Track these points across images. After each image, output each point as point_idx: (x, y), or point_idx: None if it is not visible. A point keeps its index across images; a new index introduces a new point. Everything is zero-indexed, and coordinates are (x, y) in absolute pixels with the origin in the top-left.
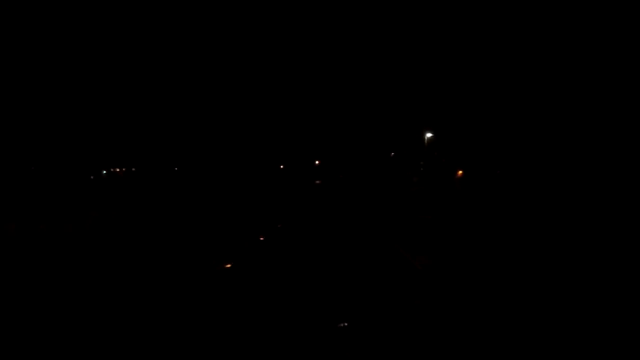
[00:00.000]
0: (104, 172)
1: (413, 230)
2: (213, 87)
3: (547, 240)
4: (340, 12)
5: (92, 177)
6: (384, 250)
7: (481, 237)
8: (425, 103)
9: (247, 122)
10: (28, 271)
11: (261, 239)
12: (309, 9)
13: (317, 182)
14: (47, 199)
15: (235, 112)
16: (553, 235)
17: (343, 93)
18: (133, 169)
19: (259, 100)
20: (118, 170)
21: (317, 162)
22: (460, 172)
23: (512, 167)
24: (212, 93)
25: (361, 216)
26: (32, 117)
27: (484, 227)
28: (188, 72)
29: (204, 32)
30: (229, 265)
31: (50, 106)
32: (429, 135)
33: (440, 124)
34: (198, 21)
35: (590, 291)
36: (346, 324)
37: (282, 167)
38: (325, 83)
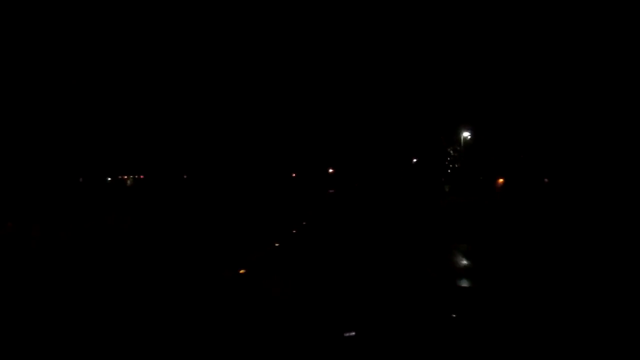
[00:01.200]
0: (109, 179)
1: (445, 258)
2: (224, 93)
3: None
4: (355, 16)
5: (95, 184)
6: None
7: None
8: (456, 99)
9: (257, 128)
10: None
11: (276, 245)
12: (324, 14)
13: (331, 191)
14: (47, 203)
15: (245, 117)
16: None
17: (357, 94)
18: (142, 176)
19: (269, 104)
20: (125, 177)
21: (330, 170)
22: (501, 180)
23: (565, 175)
24: (223, 99)
25: (378, 232)
26: (36, 122)
27: (534, 253)
28: (200, 79)
29: (216, 39)
30: (242, 271)
31: (55, 111)
32: (465, 134)
33: (475, 123)
34: (209, 26)
35: None
36: (353, 333)
37: (294, 175)
38: (337, 83)
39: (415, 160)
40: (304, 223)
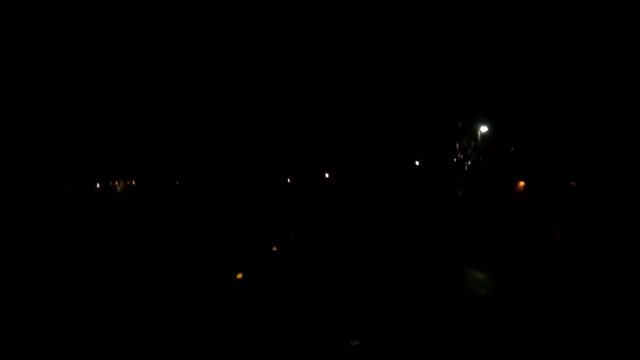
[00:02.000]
0: (98, 184)
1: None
2: (217, 97)
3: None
4: (350, 15)
5: (85, 190)
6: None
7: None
8: (465, 91)
9: (251, 130)
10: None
11: (273, 250)
12: (318, 15)
13: (327, 197)
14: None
15: (239, 120)
16: None
17: (353, 90)
18: (133, 182)
19: (262, 105)
20: (116, 183)
21: (327, 175)
22: (522, 183)
23: (599, 178)
24: (216, 102)
25: (380, 241)
26: (23, 124)
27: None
28: (193, 82)
29: (209, 42)
30: (239, 276)
31: (43, 114)
32: (483, 129)
33: (491, 117)
34: (201, 30)
35: None
36: (358, 342)
37: (289, 180)
38: (332, 79)
39: (417, 163)
40: (299, 229)
